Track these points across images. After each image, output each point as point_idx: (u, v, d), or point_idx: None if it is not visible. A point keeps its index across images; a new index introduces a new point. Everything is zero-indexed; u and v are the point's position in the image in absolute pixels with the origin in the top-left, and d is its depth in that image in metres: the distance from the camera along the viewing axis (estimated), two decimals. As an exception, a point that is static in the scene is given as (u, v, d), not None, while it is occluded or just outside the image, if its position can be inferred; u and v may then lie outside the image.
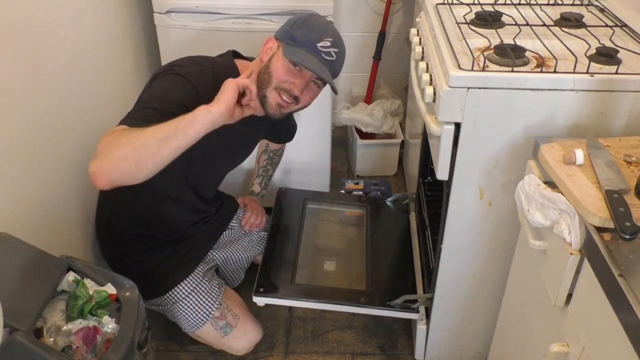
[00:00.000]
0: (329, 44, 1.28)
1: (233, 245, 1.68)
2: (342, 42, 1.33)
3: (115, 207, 1.35)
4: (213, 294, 1.49)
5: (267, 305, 1.49)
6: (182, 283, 1.47)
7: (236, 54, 1.43)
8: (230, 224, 1.70)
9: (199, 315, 1.47)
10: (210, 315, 1.47)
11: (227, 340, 1.50)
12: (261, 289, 1.47)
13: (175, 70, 1.29)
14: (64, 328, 1.03)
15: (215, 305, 1.48)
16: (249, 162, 1.72)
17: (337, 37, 1.31)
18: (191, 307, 1.46)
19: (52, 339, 1.00)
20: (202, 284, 1.49)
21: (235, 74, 1.36)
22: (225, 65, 1.37)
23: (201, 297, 1.47)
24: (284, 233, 1.70)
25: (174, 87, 1.26)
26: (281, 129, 1.67)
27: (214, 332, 1.49)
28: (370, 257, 1.63)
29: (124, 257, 1.46)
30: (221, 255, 1.64)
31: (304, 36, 1.27)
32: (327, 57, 1.29)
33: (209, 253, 1.61)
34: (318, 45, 1.27)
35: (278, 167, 2.02)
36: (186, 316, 1.47)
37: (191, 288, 1.47)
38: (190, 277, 1.48)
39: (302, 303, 1.50)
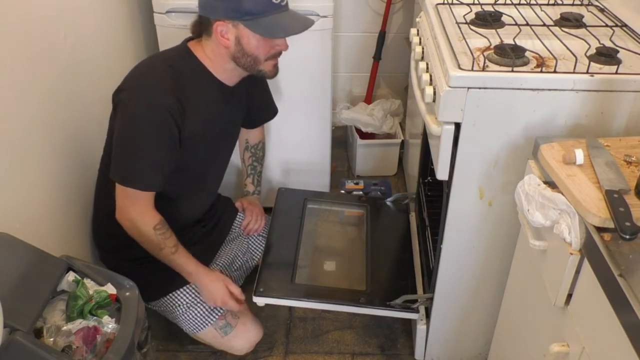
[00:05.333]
0: None
1: (234, 252, 1.68)
2: None
3: (112, 213, 1.35)
4: None
5: (267, 305, 1.49)
6: (184, 289, 1.46)
7: (190, 39, 1.39)
8: (230, 231, 1.70)
9: (201, 319, 1.46)
10: (212, 320, 1.47)
11: (227, 339, 1.50)
12: (261, 289, 1.47)
13: (139, 115, 1.26)
14: (64, 328, 1.03)
15: (218, 313, 1.47)
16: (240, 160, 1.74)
17: None
18: (193, 312, 1.46)
19: (52, 339, 1.00)
20: None
21: (192, 59, 1.34)
22: (179, 55, 1.34)
23: (204, 304, 1.46)
24: (284, 233, 1.70)
25: (154, 142, 1.27)
26: (255, 105, 1.63)
27: (214, 333, 1.48)
28: (370, 257, 1.63)
29: (123, 260, 1.46)
30: (223, 262, 1.64)
31: (257, 3, 1.23)
32: (282, 2, 1.26)
33: (211, 265, 1.60)
34: (273, 0, 1.24)
35: (278, 167, 2.03)
36: (187, 320, 1.46)
37: (194, 295, 1.46)
38: (193, 284, 1.48)
39: (302, 303, 1.50)
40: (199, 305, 1.46)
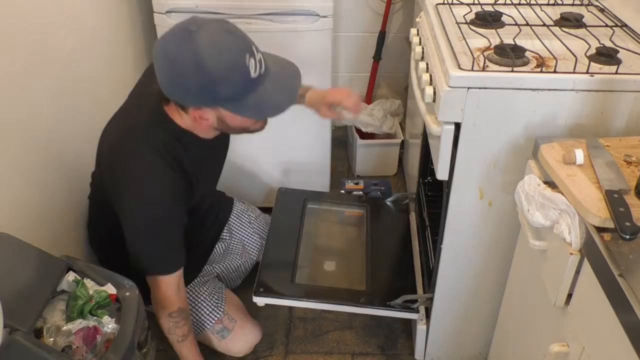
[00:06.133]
0: (252, 60, 1.03)
1: (230, 255, 1.68)
2: (235, 32, 1.05)
3: (108, 236, 1.36)
4: (212, 306, 1.48)
5: (267, 305, 1.49)
6: None
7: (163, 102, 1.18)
8: (222, 234, 1.68)
9: (197, 324, 1.45)
10: (209, 325, 1.46)
11: (225, 343, 1.50)
12: (261, 289, 1.47)
13: (155, 216, 1.19)
14: (64, 328, 1.03)
15: (215, 318, 1.47)
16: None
17: (240, 41, 1.04)
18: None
19: (52, 339, 1.01)
20: (200, 296, 1.47)
21: (174, 127, 1.18)
22: (162, 130, 1.18)
23: (199, 309, 1.46)
24: (284, 233, 1.70)
25: (170, 230, 1.22)
26: None
27: (211, 336, 1.48)
28: (370, 257, 1.63)
29: (122, 269, 1.45)
30: (220, 267, 1.63)
31: (233, 86, 1.04)
32: (262, 71, 1.06)
33: (207, 267, 1.59)
34: (252, 76, 1.04)
35: (278, 167, 2.03)
36: None
37: (190, 299, 1.46)
38: (188, 289, 1.47)
39: (302, 303, 1.50)
40: (195, 310, 1.45)
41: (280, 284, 1.51)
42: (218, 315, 1.47)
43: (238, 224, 1.73)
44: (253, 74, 1.04)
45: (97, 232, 1.48)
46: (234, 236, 1.71)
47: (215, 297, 1.49)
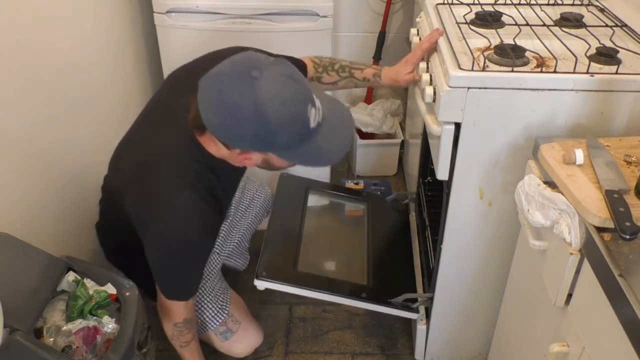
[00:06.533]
0: (313, 110, 1.00)
1: (234, 233, 1.65)
2: (296, 77, 1.00)
3: (121, 249, 1.36)
4: (217, 308, 1.46)
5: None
6: None
7: (197, 128, 1.09)
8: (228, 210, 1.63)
9: (201, 324, 1.45)
10: (213, 326, 1.46)
11: (227, 344, 1.49)
12: (264, 273, 1.44)
13: (188, 245, 1.15)
14: (64, 328, 1.03)
15: (219, 320, 1.46)
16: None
17: (302, 89, 1.00)
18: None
19: (52, 339, 1.01)
20: (205, 298, 1.46)
21: (207, 158, 1.13)
22: (195, 159, 1.13)
23: (204, 311, 1.45)
24: (285, 221, 1.68)
25: (199, 260, 1.22)
26: None
27: (214, 337, 1.47)
28: (371, 255, 1.63)
29: (129, 266, 1.42)
30: (225, 253, 1.62)
31: (291, 136, 0.99)
32: (320, 119, 1.03)
33: (212, 257, 1.56)
34: (311, 126, 1.00)
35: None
36: None
37: (196, 299, 1.45)
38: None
39: (303, 291, 1.46)
40: (199, 311, 1.45)
41: (283, 270, 1.49)
42: (222, 318, 1.46)
43: (240, 198, 1.70)
44: (312, 124, 1.01)
45: (109, 241, 1.45)
46: (239, 211, 1.68)
47: (220, 298, 1.48)
